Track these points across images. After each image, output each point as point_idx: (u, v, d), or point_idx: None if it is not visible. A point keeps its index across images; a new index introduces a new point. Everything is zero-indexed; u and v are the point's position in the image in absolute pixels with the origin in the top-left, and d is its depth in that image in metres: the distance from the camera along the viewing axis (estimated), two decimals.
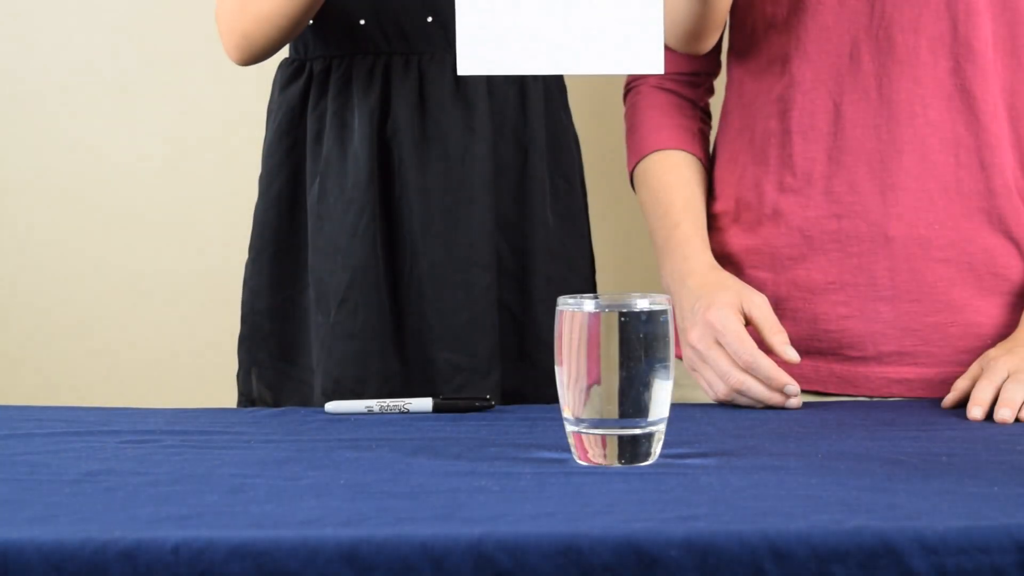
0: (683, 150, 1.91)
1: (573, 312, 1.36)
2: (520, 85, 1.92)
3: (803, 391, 1.82)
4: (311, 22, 1.88)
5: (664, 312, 1.36)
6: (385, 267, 1.89)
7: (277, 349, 1.96)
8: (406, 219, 1.88)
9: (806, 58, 1.81)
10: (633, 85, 1.99)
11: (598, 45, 1.51)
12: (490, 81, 1.88)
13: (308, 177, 1.91)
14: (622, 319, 1.35)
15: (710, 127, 1.98)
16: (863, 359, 1.82)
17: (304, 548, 1.10)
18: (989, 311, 1.81)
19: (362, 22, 1.88)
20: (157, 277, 2.38)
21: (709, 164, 1.94)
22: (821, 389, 1.83)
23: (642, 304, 1.36)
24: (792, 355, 1.69)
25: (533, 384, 1.91)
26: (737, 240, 1.86)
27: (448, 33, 1.87)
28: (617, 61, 1.43)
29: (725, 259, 1.86)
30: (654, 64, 1.52)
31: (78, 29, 2.36)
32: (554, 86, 1.98)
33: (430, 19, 1.88)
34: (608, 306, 1.36)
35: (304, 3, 1.78)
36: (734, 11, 1.91)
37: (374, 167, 1.88)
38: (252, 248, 1.97)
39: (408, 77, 1.88)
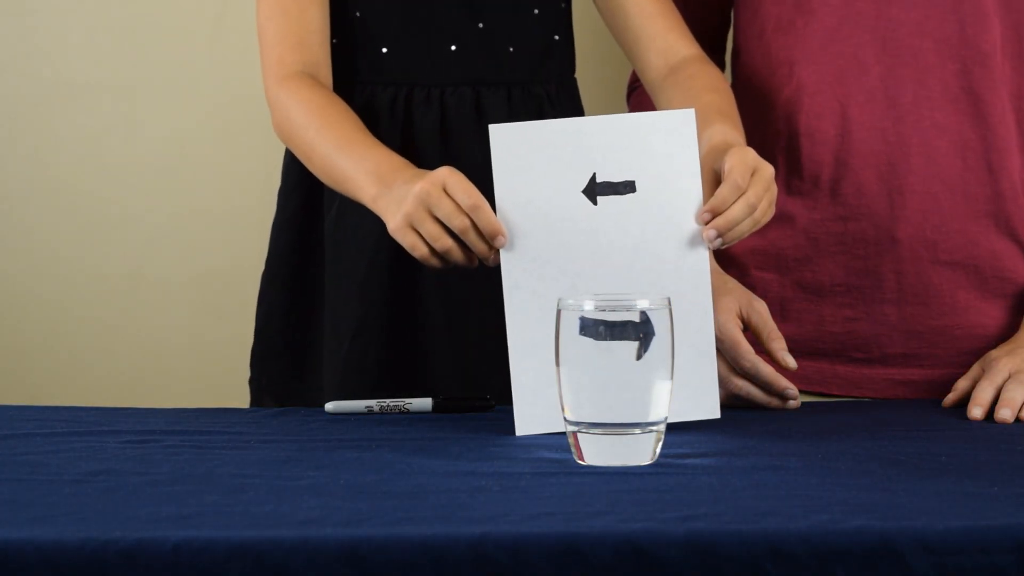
0: None
1: (573, 312, 1.36)
2: (538, 116, 1.89)
3: (807, 392, 1.82)
4: (333, 40, 1.86)
5: (664, 312, 1.36)
6: (401, 302, 1.88)
7: (288, 367, 1.95)
8: None
9: (812, 60, 1.81)
10: (637, 85, 1.98)
11: None
12: (511, 114, 1.87)
13: (326, 200, 1.90)
14: (622, 319, 1.35)
15: None
16: (868, 361, 1.82)
17: (304, 548, 1.10)
18: (994, 314, 1.81)
19: (384, 50, 1.87)
20: (158, 278, 2.38)
21: None
22: (825, 391, 1.83)
23: (642, 304, 1.36)
24: (790, 362, 1.69)
25: None
26: (743, 241, 1.86)
27: (470, 65, 1.87)
28: (674, 411, 1.44)
29: (730, 260, 1.86)
30: (711, 410, 1.58)
31: (81, 30, 2.35)
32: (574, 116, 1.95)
33: (453, 48, 1.87)
34: (608, 306, 1.36)
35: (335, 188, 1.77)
36: (739, 13, 1.91)
37: None
38: (268, 264, 1.97)
39: (430, 110, 1.87)
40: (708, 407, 1.57)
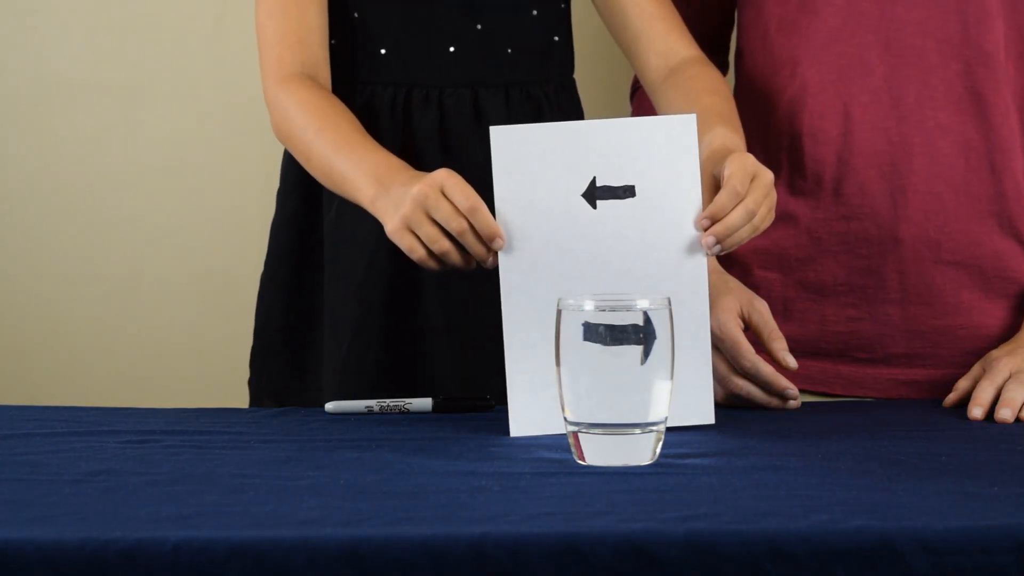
0: None
1: (573, 312, 1.36)
2: (537, 117, 1.90)
3: (810, 392, 1.82)
4: (332, 41, 1.86)
5: (664, 312, 1.36)
6: (400, 302, 1.88)
7: (287, 366, 1.95)
8: None
9: (815, 60, 1.81)
10: (639, 86, 1.98)
11: None
12: (510, 115, 1.87)
13: (325, 201, 1.90)
14: (622, 319, 1.35)
15: None
16: (871, 361, 1.82)
17: (304, 548, 1.10)
18: (997, 314, 1.81)
19: (383, 51, 1.87)
20: (158, 278, 2.38)
21: None
22: (828, 391, 1.83)
23: (642, 304, 1.36)
24: (791, 362, 1.69)
25: None
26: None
27: (469, 66, 1.87)
28: (669, 415, 1.43)
29: (733, 260, 1.86)
30: (706, 415, 1.57)
31: (81, 30, 2.35)
32: (573, 118, 1.95)
33: (452, 48, 1.87)
34: (608, 306, 1.36)
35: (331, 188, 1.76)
36: (742, 14, 1.91)
37: None
38: (268, 264, 1.96)
39: (429, 110, 1.87)
40: (703, 412, 1.57)
